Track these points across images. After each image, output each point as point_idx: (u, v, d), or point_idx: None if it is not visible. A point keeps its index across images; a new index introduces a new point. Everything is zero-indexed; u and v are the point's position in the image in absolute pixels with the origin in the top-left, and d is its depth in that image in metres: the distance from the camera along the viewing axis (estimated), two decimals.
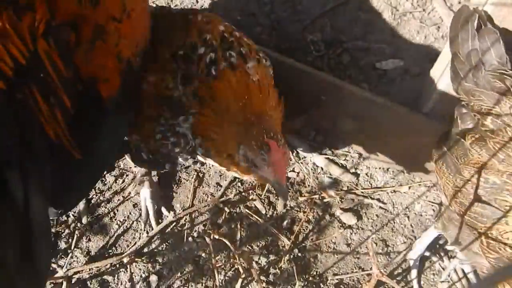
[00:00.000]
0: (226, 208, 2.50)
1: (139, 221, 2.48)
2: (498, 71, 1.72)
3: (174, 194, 2.55)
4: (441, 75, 2.20)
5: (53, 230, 2.42)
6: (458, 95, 1.89)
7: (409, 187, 2.59)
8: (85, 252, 2.40)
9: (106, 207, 2.50)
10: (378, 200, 2.57)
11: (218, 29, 1.87)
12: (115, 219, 2.48)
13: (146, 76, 1.78)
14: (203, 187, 2.58)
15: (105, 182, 2.56)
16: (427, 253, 2.39)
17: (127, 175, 2.58)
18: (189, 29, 1.85)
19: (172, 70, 1.77)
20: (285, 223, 2.49)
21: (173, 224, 2.46)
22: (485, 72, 1.75)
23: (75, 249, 2.40)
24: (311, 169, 2.63)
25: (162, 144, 1.85)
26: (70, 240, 2.42)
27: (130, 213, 2.49)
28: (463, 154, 1.75)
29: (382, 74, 2.76)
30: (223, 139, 1.74)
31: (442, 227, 2.03)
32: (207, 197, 2.55)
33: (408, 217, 2.53)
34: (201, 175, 2.61)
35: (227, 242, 2.36)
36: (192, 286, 2.33)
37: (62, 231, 2.44)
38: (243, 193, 2.54)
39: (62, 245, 2.41)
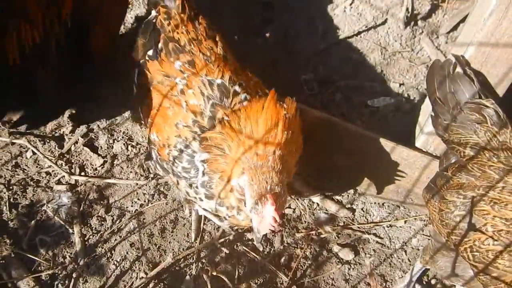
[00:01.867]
0: (223, 248, 2.49)
1: (137, 261, 2.46)
2: (475, 103, 1.90)
3: (171, 233, 2.55)
4: (431, 112, 2.27)
5: (49, 272, 2.39)
6: (438, 135, 2.09)
7: (405, 221, 2.61)
8: None
9: (103, 248, 2.49)
10: (375, 235, 2.58)
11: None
12: (112, 259, 2.46)
13: (186, 100, 1.94)
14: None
15: (102, 223, 2.56)
16: (418, 287, 2.39)
17: (124, 215, 2.58)
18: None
19: (208, 97, 1.91)
20: (282, 259, 2.48)
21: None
22: (461, 109, 1.94)
23: None
24: (307, 205, 2.65)
25: (174, 162, 1.94)
26: (67, 282, 2.38)
27: (127, 253, 2.48)
28: (446, 182, 1.91)
29: (375, 111, 2.84)
30: (232, 159, 1.74)
31: (431, 261, 2.10)
32: (205, 235, 2.55)
33: (405, 251, 2.53)
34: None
35: (226, 279, 2.34)
36: None
37: (59, 273, 2.41)
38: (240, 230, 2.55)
39: (59, 287, 2.37)
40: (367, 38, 3.04)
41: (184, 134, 1.91)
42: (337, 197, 2.68)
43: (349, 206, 2.67)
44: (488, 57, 2.02)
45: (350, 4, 3.10)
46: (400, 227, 2.60)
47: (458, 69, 2.00)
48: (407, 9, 2.94)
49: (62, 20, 2.14)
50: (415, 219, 2.61)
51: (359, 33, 3.05)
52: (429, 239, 2.52)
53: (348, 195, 2.69)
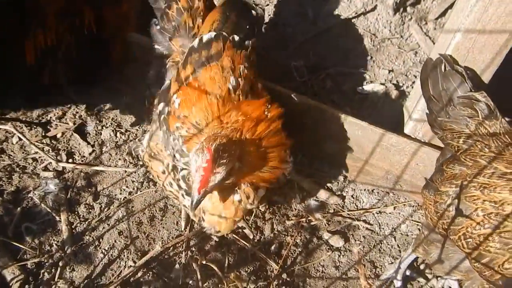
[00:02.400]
0: (213, 236, 2.48)
1: (125, 250, 2.44)
2: (467, 97, 1.94)
3: (161, 222, 2.53)
4: (419, 98, 2.28)
5: (35, 260, 2.35)
6: (433, 132, 2.12)
7: (394, 208, 2.62)
8: (69, 283, 2.33)
9: (90, 236, 2.46)
10: (365, 221, 2.58)
11: None
12: (100, 248, 2.43)
13: None
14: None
15: (90, 210, 2.52)
16: (408, 272, 2.40)
17: (112, 203, 2.55)
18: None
19: None
20: (273, 247, 2.47)
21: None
22: (454, 105, 1.98)
23: (58, 280, 2.33)
24: (298, 193, 2.64)
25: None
26: (53, 270, 2.35)
27: (115, 241, 2.45)
28: (440, 175, 1.94)
29: (364, 97, 2.84)
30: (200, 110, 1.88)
31: (423, 252, 2.12)
32: (194, 223, 2.53)
33: (394, 237, 2.54)
34: None
35: (215, 268, 2.33)
36: None
37: (45, 261, 2.37)
38: None
39: (45, 276, 2.34)
40: (357, 25, 3.04)
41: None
42: (328, 184, 2.68)
43: (339, 193, 2.67)
44: (475, 43, 2.03)
45: None
46: (390, 213, 2.61)
47: (449, 66, 2.03)
48: None
49: (74, 30, 2.49)
50: (404, 205, 2.62)
51: (349, 19, 3.05)
52: (419, 229, 2.54)
53: (338, 182, 2.69)
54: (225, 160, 1.65)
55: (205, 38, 2.07)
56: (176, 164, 1.99)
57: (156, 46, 2.35)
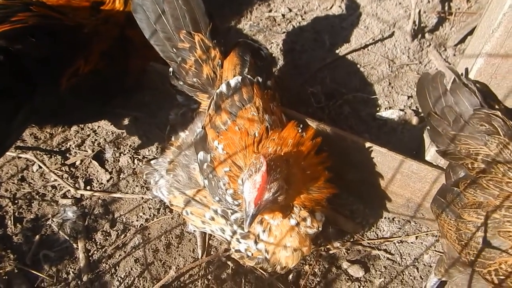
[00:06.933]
0: (229, 262, 2.44)
1: (141, 277, 2.41)
2: (484, 112, 1.86)
3: (177, 249, 2.50)
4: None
5: None
6: (437, 148, 2.06)
7: (416, 237, 2.54)
8: None
9: (107, 263, 2.44)
10: (385, 251, 2.51)
11: None
12: (116, 276, 2.41)
13: None
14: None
15: (107, 238, 2.52)
16: None
17: (129, 230, 2.54)
18: None
19: None
20: (290, 276, 2.42)
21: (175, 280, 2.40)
22: (467, 120, 1.90)
23: None
24: None
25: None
26: None
27: (131, 269, 2.43)
28: (459, 200, 1.84)
29: (383, 124, 2.80)
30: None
31: (446, 274, 2.04)
32: (211, 250, 2.50)
33: (417, 268, 2.46)
34: None
35: None
36: None
37: None
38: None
39: None
40: (374, 51, 3.03)
41: None
42: (347, 212, 2.63)
43: (358, 220, 2.61)
44: (498, 69, 1.99)
45: (358, 18, 3.11)
46: (411, 243, 2.54)
47: (457, 80, 1.98)
48: (414, 22, 2.93)
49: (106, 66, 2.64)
50: (426, 234, 2.54)
51: (366, 46, 3.05)
52: (441, 256, 2.45)
53: (358, 210, 2.63)
54: (277, 176, 1.64)
55: (233, 83, 2.08)
56: (226, 209, 1.97)
57: (179, 98, 2.33)
